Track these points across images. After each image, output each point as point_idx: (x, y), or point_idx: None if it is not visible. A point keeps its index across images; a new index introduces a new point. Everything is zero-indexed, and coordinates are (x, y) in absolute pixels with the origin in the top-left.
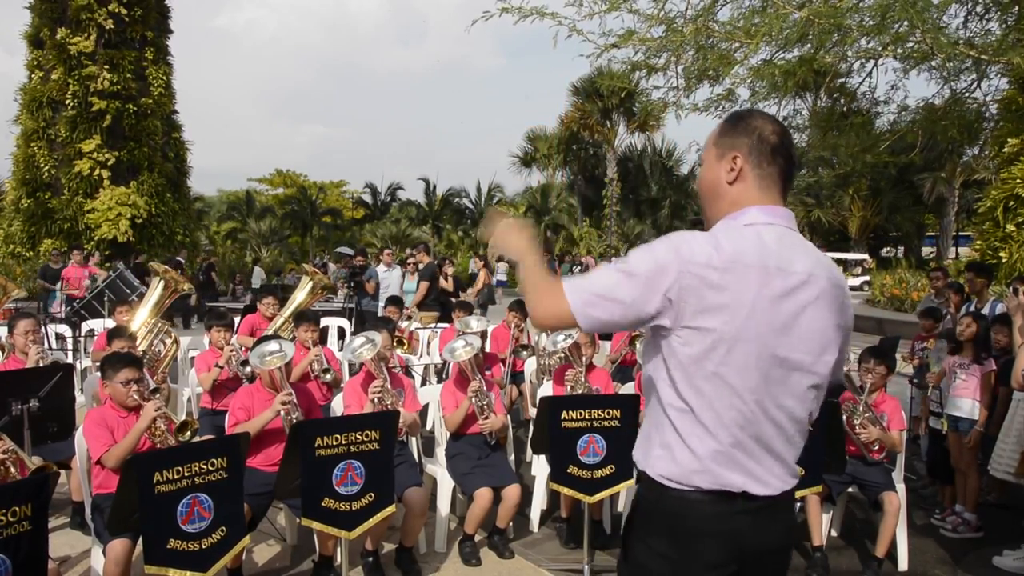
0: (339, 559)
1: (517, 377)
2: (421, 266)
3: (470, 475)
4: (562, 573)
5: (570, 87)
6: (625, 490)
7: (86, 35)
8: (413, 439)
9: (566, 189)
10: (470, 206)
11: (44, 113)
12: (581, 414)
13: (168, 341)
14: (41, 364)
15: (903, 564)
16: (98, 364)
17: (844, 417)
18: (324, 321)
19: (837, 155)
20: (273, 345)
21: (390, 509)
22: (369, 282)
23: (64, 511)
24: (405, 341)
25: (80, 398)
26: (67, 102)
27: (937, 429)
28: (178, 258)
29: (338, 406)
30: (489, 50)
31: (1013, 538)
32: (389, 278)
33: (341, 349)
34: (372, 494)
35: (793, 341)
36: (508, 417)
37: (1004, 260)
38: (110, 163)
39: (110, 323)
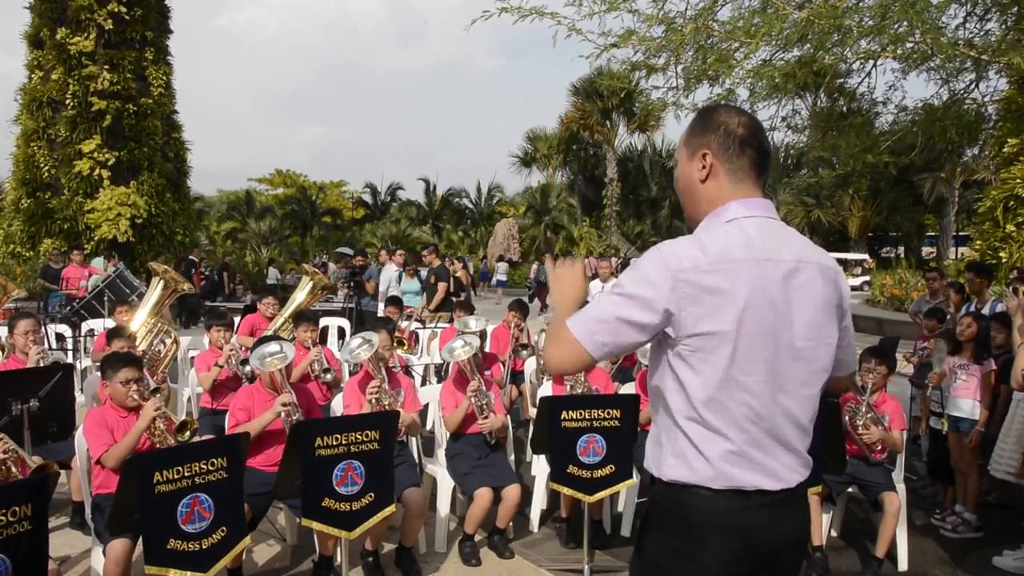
0: (339, 559)
1: (517, 377)
2: (434, 267)
3: (470, 475)
4: (562, 573)
5: (570, 87)
6: (625, 490)
7: (86, 35)
8: (413, 439)
9: (566, 189)
10: (470, 206)
11: (44, 113)
12: (581, 414)
13: (168, 341)
14: (41, 364)
15: (903, 564)
16: (98, 364)
17: (846, 418)
18: (324, 321)
19: (837, 155)
20: (273, 346)
21: (390, 509)
22: (369, 282)
23: (64, 511)
24: (405, 341)
25: (80, 398)
26: (67, 102)
27: (938, 429)
28: (192, 257)
29: (338, 406)
30: (489, 50)
31: (1013, 538)
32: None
33: (341, 349)
34: (372, 494)
35: (794, 328)
36: (508, 417)
37: (1004, 260)
38: (110, 163)
39: (110, 323)
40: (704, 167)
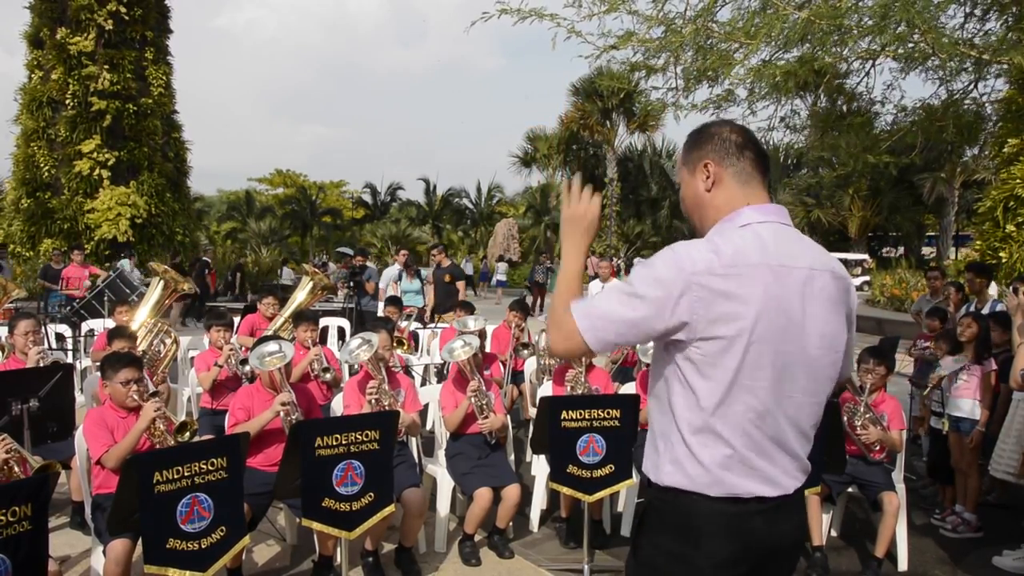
0: (339, 559)
1: (517, 377)
2: (444, 266)
3: (470, 475)
4: (562, 573)
5: (570, 87)
6: (625, 489)
7: (86, 35)
8: (413, 439)
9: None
10: (470, 206)
11: (44, 113)
12: (581, 414)
13: (168, 341)
14: (41, 364)
15: (903, 564)
16: (98, 364)
17: (845, 418)
18: (324, 321)
19: (837, 155)
20: (272, 346)
21: (390, 509)
22: (369, 282)
23: (64, 511)
24: (404, 341)
25: (80, 398)
26: (67, 102)
27: (938, 429)
28: (205, 259)
29: (338, 406)
30: (489, 50)
31: (1013, 538)
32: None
33: (341, 349)
34: (372, 494)
35: (804, 336)
36: (508, 417)
37: (1004, 260)
38: (110, 163)
39: (110, 323)
40: (708, 177)
